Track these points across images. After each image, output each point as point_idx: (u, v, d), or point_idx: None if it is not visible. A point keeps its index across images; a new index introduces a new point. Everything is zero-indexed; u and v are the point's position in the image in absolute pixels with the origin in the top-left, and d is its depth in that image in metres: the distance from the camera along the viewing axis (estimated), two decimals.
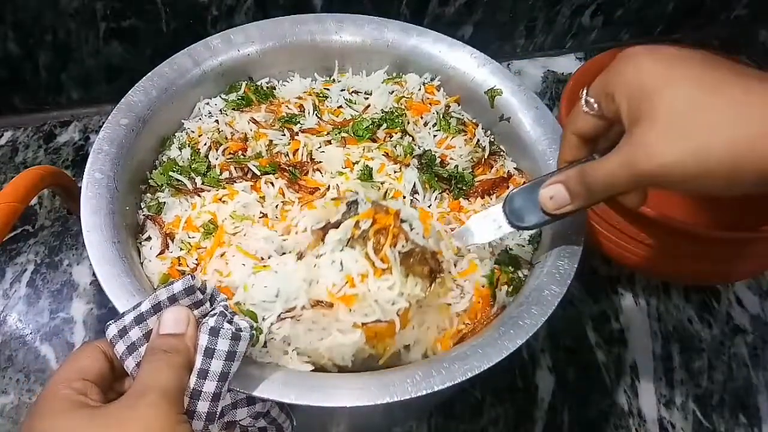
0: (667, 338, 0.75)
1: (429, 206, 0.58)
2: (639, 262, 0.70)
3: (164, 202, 0.56)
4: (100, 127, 0.56)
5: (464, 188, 0.60)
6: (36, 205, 0.77)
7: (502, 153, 0.66)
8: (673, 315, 0.77)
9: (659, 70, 0.39)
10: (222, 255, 0.51)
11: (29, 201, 0.57)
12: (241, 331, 0.41)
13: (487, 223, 0.52)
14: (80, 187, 0.52)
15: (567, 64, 1.03)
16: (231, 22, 0.81)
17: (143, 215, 0.56)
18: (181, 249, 0.53)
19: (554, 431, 0.67)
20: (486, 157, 0.64)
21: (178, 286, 0.41)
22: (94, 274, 0.71)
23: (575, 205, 0.45)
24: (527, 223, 0.50)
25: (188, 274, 0.43)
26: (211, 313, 0.42)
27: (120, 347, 0.41)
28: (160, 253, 0.53)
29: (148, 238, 0.55)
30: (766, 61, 1.04)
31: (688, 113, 0.37)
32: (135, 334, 0.41)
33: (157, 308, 0.41)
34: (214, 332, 0.40)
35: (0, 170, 0.80)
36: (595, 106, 0.44)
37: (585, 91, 0.45)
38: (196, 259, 0.52)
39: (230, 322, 0.42)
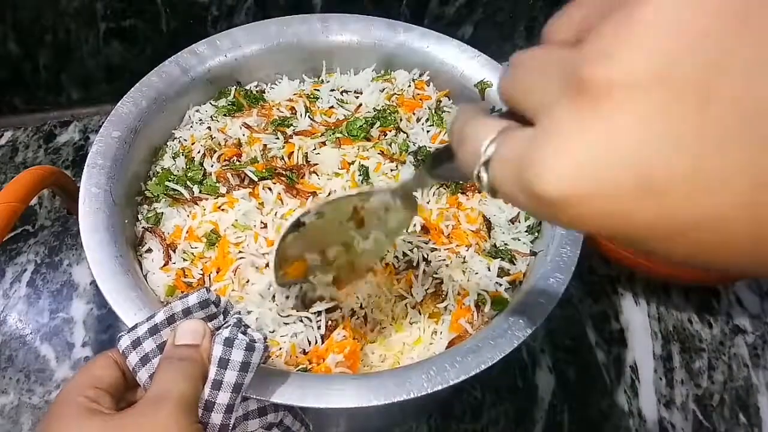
0: (667, 338, 0.75)
1: (428, 202, 0.58)
2: (639, 262, 0.70)
3: (162, 213, 0.56)
4: (101, 126, 0.56)
5: (461, 183, 0.60)
6: (36, 205, 0.77)
7: None
8: (673, 315, 0.77)
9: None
10: (236, 270, 0.51)
11: (29, 201, 0.56)
12: (255, 342, 0.40)
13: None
14: (80, 188, 0.52)
15: None
16: (231, 22, 0.81)
17: (142, 227, 0.56)
18: (184, 260, 0.53)
19: (554, 431, 0.67)
20: None
21: (192, 299, 0.41)
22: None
23: None
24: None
25: (202, 287, 0.42)
26: (225, 324, 0.42)
27: (133, 358, 0.40)
28: (164, 265, 0.53)
29: (149, 250, 0.55)
30: None
31: None
32: (148, 345, 0.41)
33: (171, 320, 0.41)
34: (229, 343, 0.40)
35: (0, 170, 0.80)
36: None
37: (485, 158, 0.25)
38: (201, 270, 0.52)
39: (244, 333, 0.41)
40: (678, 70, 0.17)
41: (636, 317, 0.76)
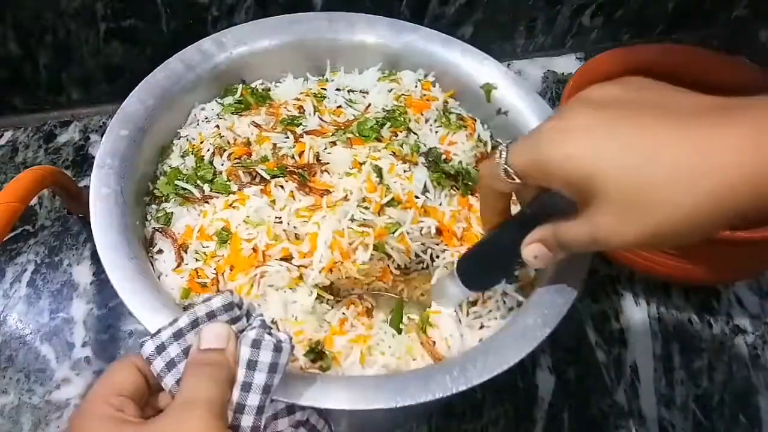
0: (667, 338, 0.75)
1: (440, 204, 0.58)
2: (639, 263, 0.70)
3: (172, 212, 0.55)
4: (101, 127, 0.56)
5: (471, 184, 0.60)
6: (36, 205, 0.77)
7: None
8: (673, 315, 0.77)
9: (589, 150, 0.36)
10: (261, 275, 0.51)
11: (29, 201, 0.57)
12: (282, 343, 0.40)
13: (452, 287, 0.53)
14: (81, 188, 0.52)
15: (567, 64, 1.03)
16: (231, 22, 0.81)
17: (152, 228, 0.55)
18: (196, 260, 0.52)
19: (554, 431, 0.67)
20: (488, 151, 0.64)
21: (216, 302, 0.40)
22: (94, 274, 0.72)
23: (558, 258, 0.45)
24: (488, 285, 0.53)
25: (225, 290, 0.42)
26: (250, 326, 0.41)
27: (158, 364, 0.40)
28: (176, 267, 0.52)
29: (160, 251, 0.54)
30: (766, 61, 1.04)
31: (634, 193, 0.35)
32: (174, 350, 0.40)
33: (195, 324, 0.40)
34: (256, 344, 0.39)
35: (0, 170, 0.80)
36: (517, 180, 0.42)
37: (504, 157, 0.42)
38: (215, 269, 0.51)
39: (270, 334, 0.41)
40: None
41: (636, 317, 0.76)
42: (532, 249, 0.45)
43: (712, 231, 0.35)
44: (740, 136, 0.32)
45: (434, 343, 0.52)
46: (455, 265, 0.52)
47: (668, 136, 0.34)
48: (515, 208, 0.51)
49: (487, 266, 0.50)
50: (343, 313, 0.52)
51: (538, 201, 0.45)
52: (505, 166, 0.42)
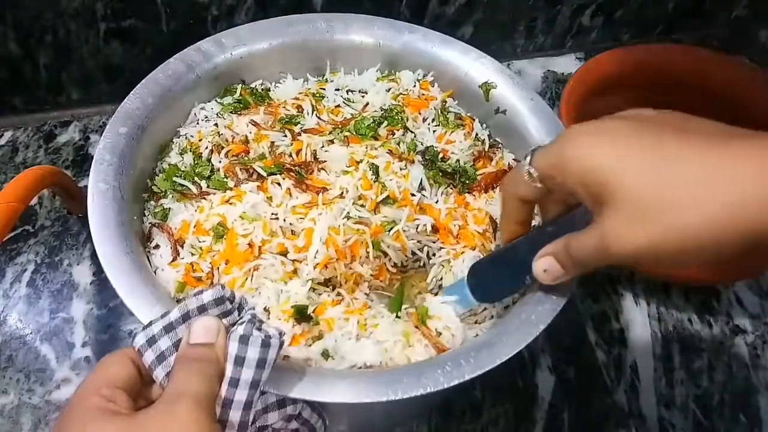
0: (667, 338, 0.75)
1: (436, 202, 0.58)
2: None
3: (169, 208, 0.56)
4: (101, 127, 0.56)
5: (468, 182, 0.61)
6: (36, 205, 0.77)
7: (499, 145, 0.66)
8: (673, 315, 0.77)
9: (608, 152, 0.37)
10: (254, 269, 0.51)
11: (29, 201, 0.57)
12: (271, 338, 0.40)
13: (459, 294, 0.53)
14: (80, 188, 0.52)
15: (567, 64, 1.03)
16: (231, 22, 0.81)
17: (149, 223, 0.55)
18: (192, 254, 0.53)
19: (554, 431, 0.67)
20: (486, 150, 0.64)
21: (207, 296, 0.41)
22: (94, 274, 0.72)
23: (569, 275, 0.45)
24: (497, 297, 0.52)
25: (217, 284, 0.42)
26: (240, 321, 0.42)
27: (149, 356, 0.40)
28: (172, 261, 0.53)
29: (157, 246, 0.54)
30: (766, 61, 1.04)
31: (649, 195, 0.35)
32: (164, 343, 0.40)
33: (186, 317, 0.41)
34: (244, 340, 0.40)
35: (0, 170, 0.80)
36: (539, 183, 0.43)
37: (529, 160, 0.44)
38: (210, 264, 0.52)
39: (259, 329, 0.41)
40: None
41: (636, 317, 0.76)
42: (543, 262, 0.45)
43: (719, 250, 0.34)
44: (759, 160, 0.33)
45: (439, 334, 0.52)
46: (466, 274, 0.52)
47: (690, 147, 0.35)
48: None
49: (497, 278, 0.51)
50: (339, 294, 0.52)
51: (559, 220, 0.45)
52: (528, 167, 0.43)
